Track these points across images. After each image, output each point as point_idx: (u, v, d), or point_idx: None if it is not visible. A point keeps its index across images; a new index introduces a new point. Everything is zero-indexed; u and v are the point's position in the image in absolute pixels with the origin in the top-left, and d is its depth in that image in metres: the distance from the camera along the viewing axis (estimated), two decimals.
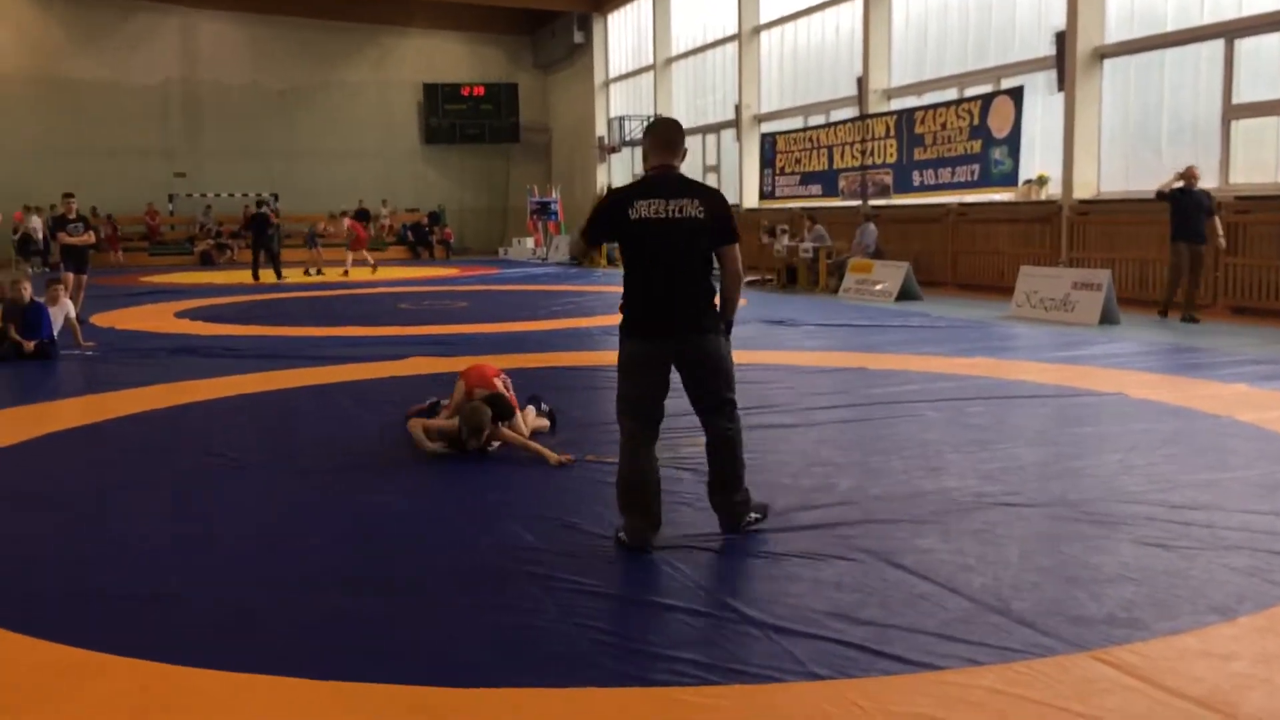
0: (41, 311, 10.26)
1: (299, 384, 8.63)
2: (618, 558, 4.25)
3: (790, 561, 4.15)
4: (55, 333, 10.40)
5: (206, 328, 12.98)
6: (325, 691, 3.10)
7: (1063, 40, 15.01)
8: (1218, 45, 13.25)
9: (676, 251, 4.31)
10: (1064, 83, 15.05)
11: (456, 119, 33.93)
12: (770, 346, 10.30)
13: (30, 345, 9.97)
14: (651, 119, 27.50)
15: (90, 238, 13.81)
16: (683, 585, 3.91)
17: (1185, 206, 11.77)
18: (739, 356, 8.94)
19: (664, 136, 4.50)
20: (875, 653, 3.27)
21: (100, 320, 13.43)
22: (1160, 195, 12.07)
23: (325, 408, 7.68)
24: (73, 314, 11.04)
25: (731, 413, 4.50)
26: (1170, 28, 13.94)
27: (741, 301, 4.34)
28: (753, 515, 4.54)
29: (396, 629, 3.57)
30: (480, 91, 34.09)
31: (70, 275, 12.98)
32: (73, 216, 13.41)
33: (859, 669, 3.17)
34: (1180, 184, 11.82)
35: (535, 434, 6.33)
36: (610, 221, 4.41)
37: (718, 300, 4.46)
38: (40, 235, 25.29)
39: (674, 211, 4.28)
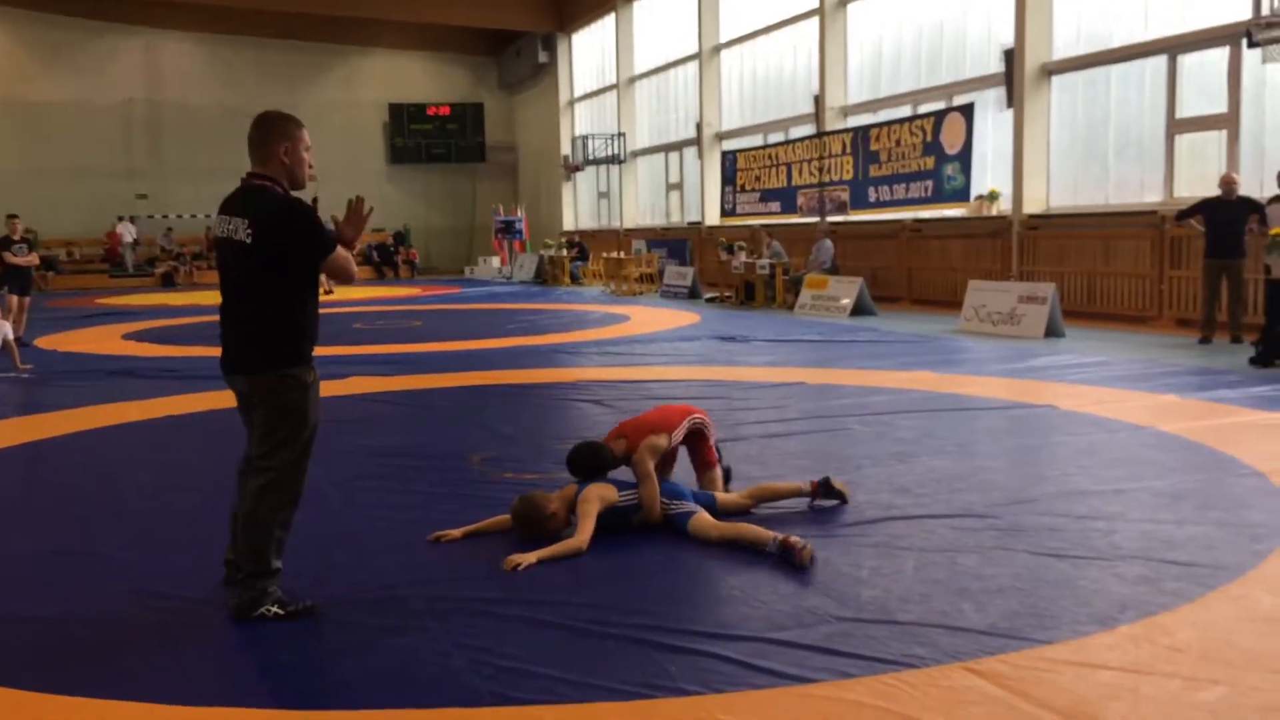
0: None
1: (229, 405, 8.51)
2: (509, 577, 4.18)
3: (681, 577, 4.11)
4: None
5: (151, 349, 12.84)
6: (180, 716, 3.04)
7: (1011, 57, 15.15)
8: (1161, 61, 13.38)
9: (228, 276, 3.85)
10: (1013, 99, 15.18)
11: (422, 139, 33.94)
12: (717, 363, 10.25)
13: None
14: (615, 136, 27.77)
15: (35, 259, 13.68)
16: (574, 603, 3.85)
17: (1219, 220, 10.78)
18: (689, 373, 8.74)
19: (250, 137, 3.85)
20: (748, 667, 3.23)
21: (45, 343, 13.27)
22: (1181, 216, 11.40)
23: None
24: (10, 336, 10.90)
25: (260, 481, 3.77)
26: (1115, 44, 14.09)
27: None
28: (267, 611, 3.70)
29: (279, 652, 3.50)
30: (446, 111, 34.12)
31: (14, 297, 12.86)
32: (17, 238, 13.25)
33: (730, 684, 3.13)
34: (1216, 194, 10.90)
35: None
36: None
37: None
38: None
39: (229, 231, 3.76)
